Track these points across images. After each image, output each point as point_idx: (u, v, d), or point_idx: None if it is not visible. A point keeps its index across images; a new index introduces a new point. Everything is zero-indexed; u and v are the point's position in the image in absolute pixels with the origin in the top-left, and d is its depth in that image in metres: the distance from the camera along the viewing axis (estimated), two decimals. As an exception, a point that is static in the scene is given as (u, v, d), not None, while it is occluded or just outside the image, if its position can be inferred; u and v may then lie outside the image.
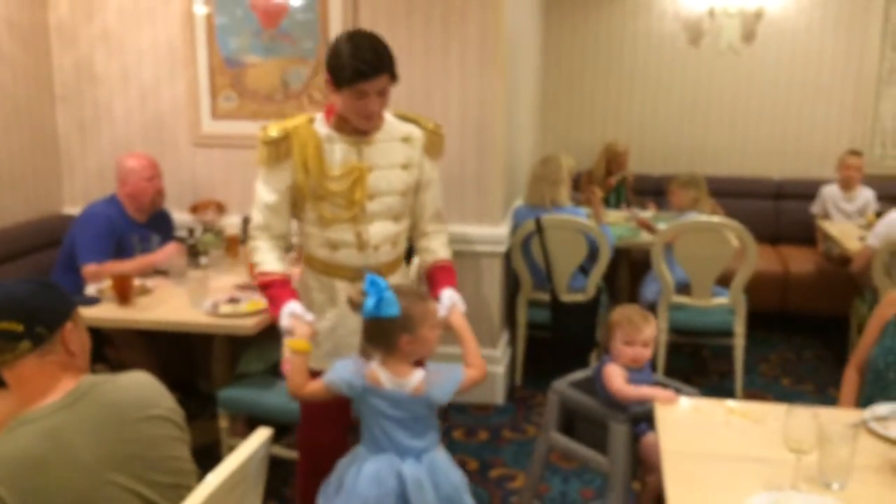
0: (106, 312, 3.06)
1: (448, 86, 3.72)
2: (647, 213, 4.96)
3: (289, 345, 2.15)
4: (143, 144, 4.07)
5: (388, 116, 2.43)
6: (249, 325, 2.92)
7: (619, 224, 4.65)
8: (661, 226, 4.20)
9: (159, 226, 3.75)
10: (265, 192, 2.37)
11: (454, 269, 2.52)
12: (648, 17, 5.65)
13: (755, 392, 4.16)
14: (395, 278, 2.46)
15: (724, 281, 4.02)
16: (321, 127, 2.36)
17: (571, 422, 2.58)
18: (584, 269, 4.08)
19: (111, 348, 3.47)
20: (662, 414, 2.11)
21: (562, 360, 3.83)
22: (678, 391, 2.30)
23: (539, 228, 3.98)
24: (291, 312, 2.20)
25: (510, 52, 3.85)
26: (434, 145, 2.48)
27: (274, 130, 2.33)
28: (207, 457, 3.14)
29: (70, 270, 3.47)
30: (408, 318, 2.03)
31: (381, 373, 2.07)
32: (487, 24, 3.61)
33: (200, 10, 3.86)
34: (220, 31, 3.87)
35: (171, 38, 3.95)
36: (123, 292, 3.12)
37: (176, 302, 3.15)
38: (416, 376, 2.07)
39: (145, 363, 3.44)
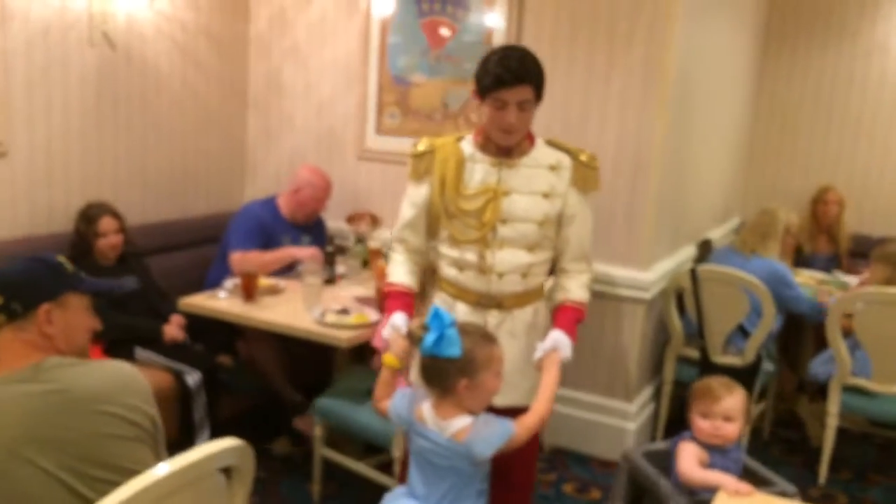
0: (227, 305, 3.22)
1: (606, 115, 3.50)
2: (853, 280, 4.33)
3: (382, 357, 2.09)
4: (316, 153, 4.28)
5: (540, 143, 2.32)
6: (343, 337, 2.92)
7: (807, 286, 4.10)
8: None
9: (311, 230, 3.93)
10: (406, 206, 2.37)
11: (582, 314, 2.31)
12: (884, 57, 4.95)
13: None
14: (524, 315, 2.31)
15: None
16: (467, 145, 2.31)
17: (641, 496, 2.27)
18: (745, 331, 3.63)
19: (242, 342, 3.65)
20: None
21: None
22: (765, 484, 1.93)
23: (694, 279, 3.60)
24: (393, 325, 2.15)
25: (682, 85, 3.54)
26: (585, 178, 2.29)
27: (422, 145, 2.34)
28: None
29: (224, 261, 3.73)
30: (469, 361, 1.87)
31: (427, 411, 1.93)
32: (653, 55, 3.35)
33: (377, 27, 3.98)
34: (391, 50, 3.96)
35: (350, 54, 4.11)
36: (249, 289, 3.26)
37: (297, 305, 3.24)
38: (461, 421, 1.89)
39: (273, 362, 3.60)
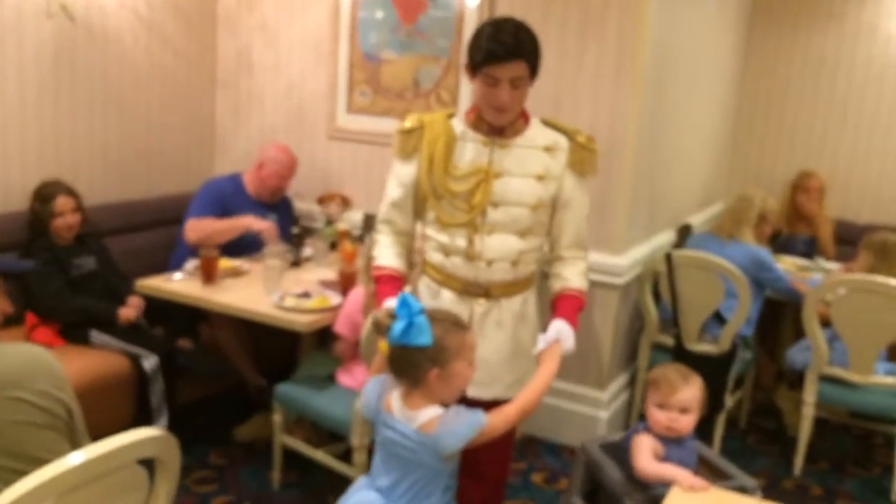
0: (183, 288, 3.11)
1: (579, 95, 3.39)
2: (835, 267, 4.24)
3: (378, 344, 1.95)
4: (286, 133, 4.16)
5: (535, 122, 2.18)
6: (303, 321, 2.83)
7: (788, 272, 4.00)
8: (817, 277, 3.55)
9: (277, 208, 3.83)
10: (392, 186, 2.24)
11: (583, 303, 2.19)
12: (871, 41, 4.84)
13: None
14: (512, 305, 2.20)
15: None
16: (458, 123, 2.17)
17: (598, 489, 2.18)
18: (722, 318, 3.54)
19: (206, 325, 3.55)
20: (674, 500, 1.69)
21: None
22: (723, 477, 1.85)
23: (669, 264, 3.51)
24: (385, 309, 2.01)
25: (658, 64, 3.43)
26: (582, 161, 2.15)
27: (410, 121, 2.20)
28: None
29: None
30: (440, 350, 1.75)
31: (395, 401, 1.82)
32: (627, 32, 3.24)
33: (347, 1, 3.85)
34: (361, 25, 3.84)
35: (319, 30, 3.99)
36: (209, 271, 3.16)
37: (259, 288, 3.14)
38: (430, 412, 1.77)
39: (237, 346, 3.51)
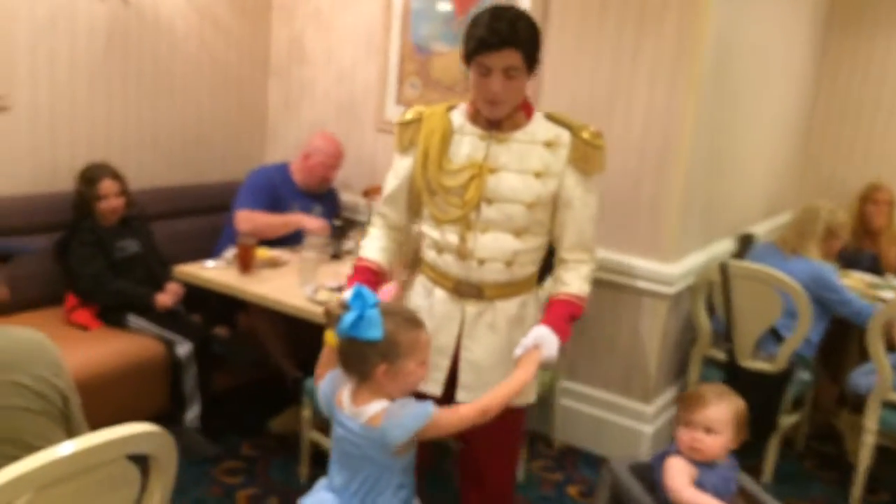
0: (218, 276, 3.08)
1: (633, 94, 3.23)
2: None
3: (325, 334, 1.88)
4: (335, 123, 4.11)
5: (539, 116, 2.07)
6: (330, 315, 2.75)
7: (855, 289, 3.76)
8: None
9: (323, 199, 3.78)
10: (389, 178, 2.18)
11: (578, 309, 2.05)
12: (960, 45, 4.52)
13: None
14: (508, 307, 2.09)
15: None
16: (458, 115, 2.08)
17: (625, 512, 2.04)
18: (779, 335, 3.34)
19: (244, 314, 3.52)
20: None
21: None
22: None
23: (724, 275, 3.33)
24: (343, 299, 1.91)
25: (720, 65, 3.25)
26: (586, 157, 2.02)
27: (410, 113, 2.13)
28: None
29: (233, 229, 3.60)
30: (391, 345, 1.68)
31: (345, 397, 1.76)
32: (685, 30, 3.06)
33: (400, -8, 3.78)
34: (414, 16, 3.75)
35: (371, 20, 3.92)
36: (245, 260, 3.12)
37: (294, 280, 3.09)
38: (376, 406, 1.72)
39: (274, 336, 3.47)
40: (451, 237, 2.04)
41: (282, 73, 4.29)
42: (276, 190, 3.64)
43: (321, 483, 1.84)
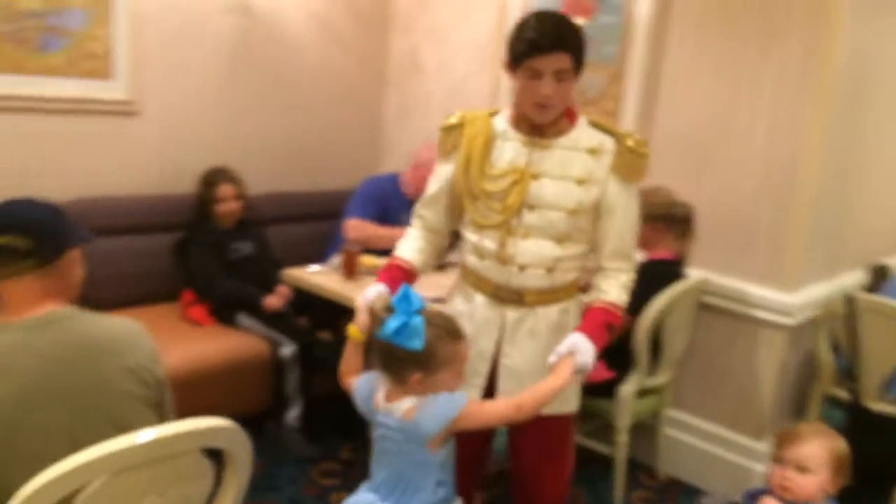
0: (325, 281, 3.14)
1: (755, 111, 3.06)
2: None
3: (347, 328, 1.93)
4: (449, 136, 4.11)
5: (583, 122, 2.06)
6: (428, 326, 2.74)
7: None
8: None
9: (433, 211, 3.79)
10: (432, 182, 2.21)
11: (616, 318, 2.04)
12: None
13: None
14: (549, 314, 2.08)
15: None
16: (501, 121, 2.09)
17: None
18: (911, 376, 3.07)
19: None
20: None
21: (860, 479, 2.92)
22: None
23: (851, 308, 3.09)
24: (366, 295, 1.95)
25: (852, 82, 3.03)
26: (629, 166, 2.02)
27: (454, 118, 2.15)
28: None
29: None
30: (429, 356, 1.67)
31: (381, 396, 1.76)
32: (814, 46, 2.87)
33: (517, 3, 3.74)
34: (531, 29, 3.71)
35: (485, 33, 3.91)
36: (349, 266, 3.17)
37: (396, 289, 3.10)
38: (408, 402, 1.71)
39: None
40: (491, 242, 2.05)
41: (398, 83, 4.36)
42: (387, 200, 3.68)
43: (364, 486, 1.84)
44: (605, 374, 3.02)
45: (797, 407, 3.38)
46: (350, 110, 4.27)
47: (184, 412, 2.90)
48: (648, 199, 3.03)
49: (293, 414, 3.24)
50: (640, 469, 3.39)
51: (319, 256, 3.70)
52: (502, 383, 2.11)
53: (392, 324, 1.66)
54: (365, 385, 1.82)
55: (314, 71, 4.05)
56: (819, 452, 1.76)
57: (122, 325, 1.66)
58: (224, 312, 3.33)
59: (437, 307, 1.90)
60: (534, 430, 1.86)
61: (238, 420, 3.33)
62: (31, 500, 1.26)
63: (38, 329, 1.56)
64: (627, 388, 2.95)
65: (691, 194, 3.19)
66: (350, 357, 1.92)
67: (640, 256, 3.13)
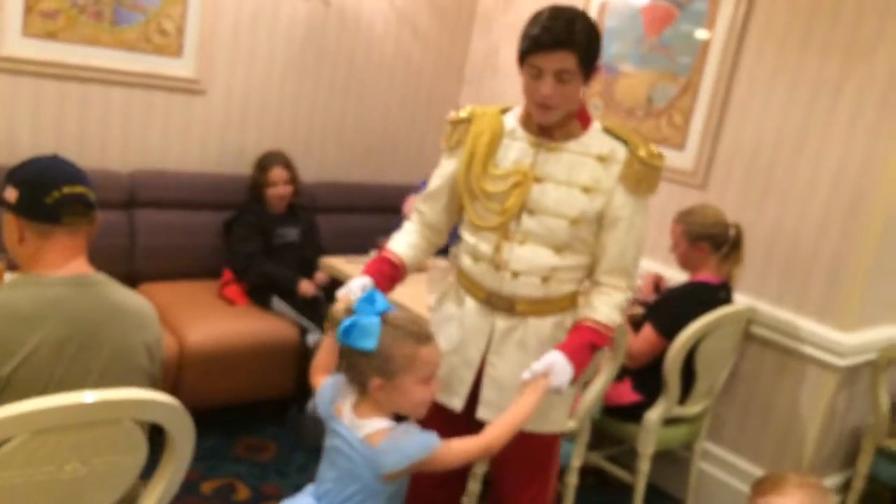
0: (354, 272, 3.12)
1: (828, 134, 2.83)
2: None
3: (326, 322, 1.82)
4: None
5: (596, 127, 1.95)
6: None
7: None
8: None
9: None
10: (434, 177, 2.13)
11: (603, 338, 1.91)
12: None
13: None
14: (542, 326, 1.98)
15: None
16: (511, 119, 2.00)
17: None
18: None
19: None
20: None
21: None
22: None
23: (914, 356, 2.82)
24: (348, 287, 1.83)
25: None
26: (638, 177, 1.90)
27: (463, 111, 2.08)
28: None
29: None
30: (385, 359, 1.58)
31: (346, 407, 1.66)
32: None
33: (595, 8, 3.61)
34: (607, 35, 3.58)
35: (563, 35, 3.80)
36: (384, 259, 3.14)
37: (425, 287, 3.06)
38: (378, 423, 1.61)
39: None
40: (487, 245, 1.96)
41: (475, 82, 4.31)
42: None
43: (308, 488, 1.77)
44: (631, 396, 2.88)
45: (847, 456, 3.11)
46: (422, 106, 4.26)
47: (206, 389, 3.01)
48: (695, 218, 2.88)
49: (314, 403, 3.25)
50: (667, 500, 3.21)
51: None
52: (485, 393, 2.01)
53: (344, 323, 1.59)
54: (329, 389, 1.74)
55: (389, 63, 4.05)
56: None
57: (143, 302, 1.70)
58: (259, 294, 3.36)
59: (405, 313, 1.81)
60: (516, 449, 1.75)
61: (262, 404, 3.37)
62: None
63: (79, 287, 1.59)
64: (654, 415, 2.80)
65: (750, 216, 3.00)
66: (324, 354, 1.82)
67: (682, 277, 2.99)
